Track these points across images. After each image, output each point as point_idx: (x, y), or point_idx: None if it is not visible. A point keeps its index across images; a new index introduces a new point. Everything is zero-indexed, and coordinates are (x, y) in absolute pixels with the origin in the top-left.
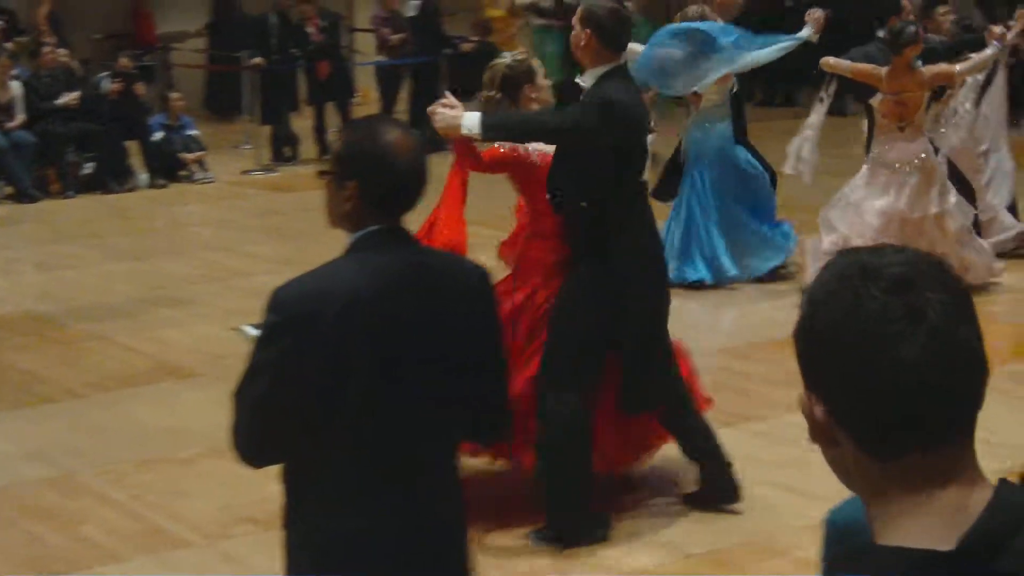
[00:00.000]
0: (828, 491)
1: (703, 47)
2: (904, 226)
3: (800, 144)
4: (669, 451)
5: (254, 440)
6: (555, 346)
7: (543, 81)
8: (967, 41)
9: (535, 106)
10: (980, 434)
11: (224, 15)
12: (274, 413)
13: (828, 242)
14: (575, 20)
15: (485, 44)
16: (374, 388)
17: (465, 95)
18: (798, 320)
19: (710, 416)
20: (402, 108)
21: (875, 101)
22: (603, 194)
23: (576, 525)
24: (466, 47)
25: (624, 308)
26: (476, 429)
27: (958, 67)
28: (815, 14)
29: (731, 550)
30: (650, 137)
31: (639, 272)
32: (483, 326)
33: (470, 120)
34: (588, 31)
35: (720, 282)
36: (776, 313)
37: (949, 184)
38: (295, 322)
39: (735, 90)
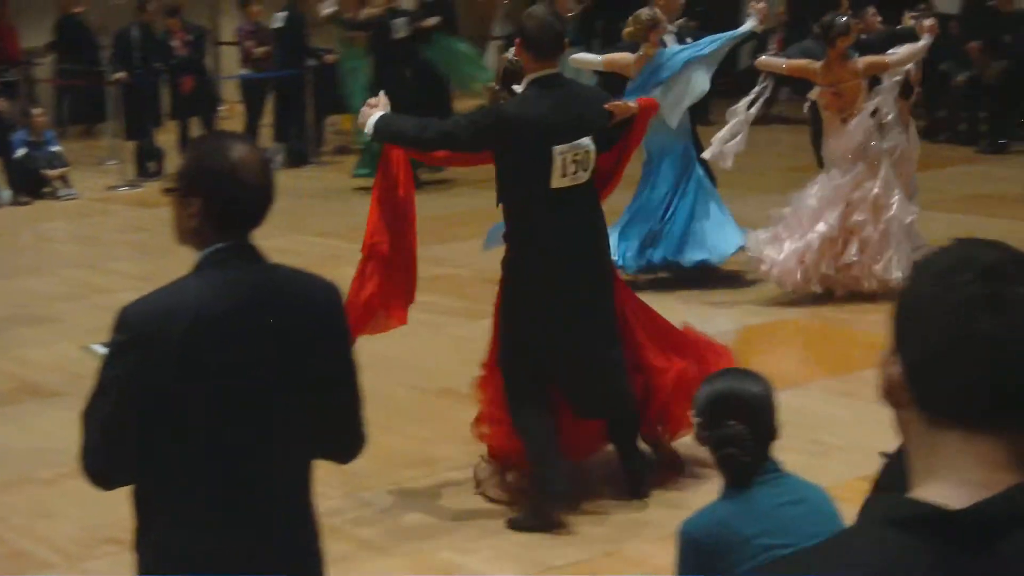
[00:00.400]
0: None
1: (655, 77)
2: (845, 208)
3: (728, 133)
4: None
5: (102, 460)
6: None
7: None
8: (900, 34)
9: None
10: (829, 439)
11: (68, 31)
12: (121, 432)
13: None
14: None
15: None
16: (221, 408)
17: (332, 106)
18: (900, 284)
19: None
20: (268, 121)
21: (814, 94)
22: (503, 199)
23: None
24: (330, 59)
25: (522, 314)
26: (330, 449)
27: (891, 57)
28: (758, 5)
29: (593, 560)
30: (584, 140)
31: (523, 282)
32: (333, 344)
33: (370, 121)
34: (519, 40)
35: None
36: None
37: (895, 182)
38: (141, 340)
39: None
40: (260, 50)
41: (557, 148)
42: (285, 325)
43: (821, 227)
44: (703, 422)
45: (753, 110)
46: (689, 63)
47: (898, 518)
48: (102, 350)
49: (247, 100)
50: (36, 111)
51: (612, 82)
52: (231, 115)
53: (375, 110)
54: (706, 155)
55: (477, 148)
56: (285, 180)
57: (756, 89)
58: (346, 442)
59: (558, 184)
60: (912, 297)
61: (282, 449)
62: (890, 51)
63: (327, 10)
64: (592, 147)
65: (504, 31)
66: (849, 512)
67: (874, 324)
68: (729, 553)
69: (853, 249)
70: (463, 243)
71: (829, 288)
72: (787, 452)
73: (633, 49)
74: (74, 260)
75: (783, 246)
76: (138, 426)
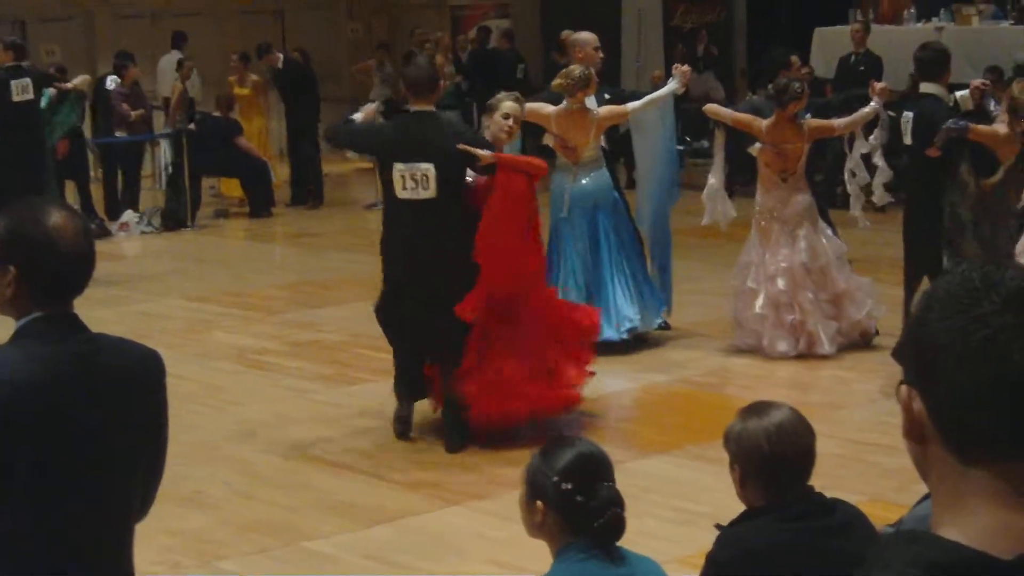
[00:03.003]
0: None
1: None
2: (808, 275)
3: (712, 194)
4: None
5: None
6: None
7: (498, 117)
8: (857, 96)
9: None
10: (693, 507)
11: None
12: None
13: (743, 304)
14: None
15: (227, 119)
16: (42, 478)
17: (209, 168)
18: (913, 314)
19: (437, 495)
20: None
21: (754, 150)
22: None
23: None
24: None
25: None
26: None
27: (837, 122)
28: (681, 67)
29: None
30: (423, 164)
31: (384, 265)
32: (149, 413)
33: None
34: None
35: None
36: None
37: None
38: None
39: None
40: (135, 112)
41: (397, 165)
42: (104, 399)
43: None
44: (573, 487)
45: (715, 180)
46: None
47: (943, 564)
48: None
49: (122, 163)
50: None
51: (531, 130)
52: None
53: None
54: (705, 221)
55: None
56: (160, 243)
57: (715, 158)
58: (141, 510)
59: (401, 196)
60: (931, 330)
61: (105, 516)
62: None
63: None
64: (432, 170)
65: (381, 95)
66: None
67: (742, 389)
68: None
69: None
70: (335, 308)
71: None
72: (651, 519)
73: (555, 101)
74: None
75: (744, 297)
76: None
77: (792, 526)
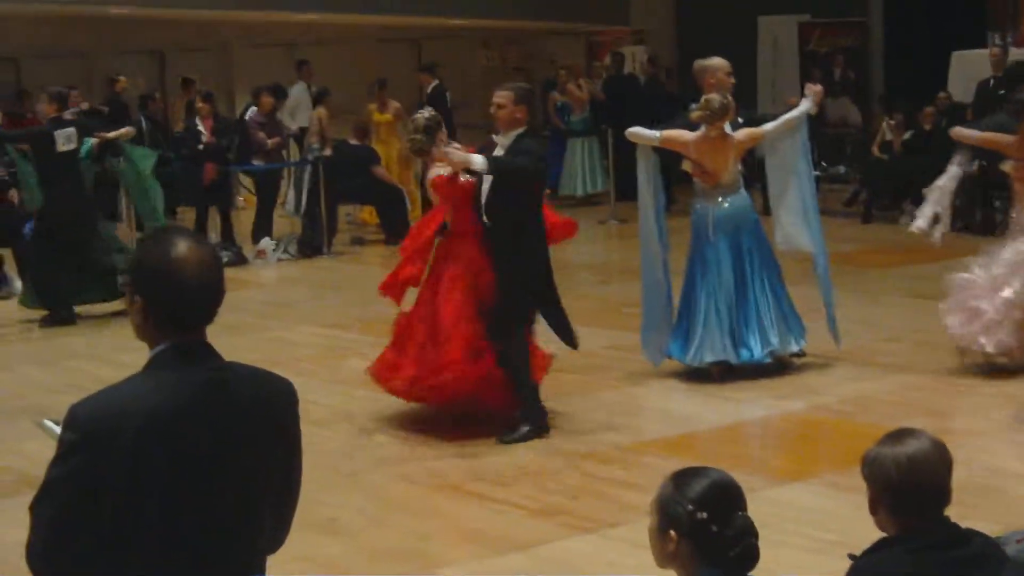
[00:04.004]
0: None
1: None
2: None
3: (932, 207)
4: None
5: (49, 558)
6: None
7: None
8: None
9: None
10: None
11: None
12: (70, 532)
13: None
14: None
15: (363, 147)
16: (172, 510)
17: (346, 196)
18: None
19: (569, 522)
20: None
21: (1007, 167)
22: None
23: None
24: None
25: None
26: (270, 543)
27: None
28: (814, 87)
29: None
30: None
31: None
32: (284, 443)
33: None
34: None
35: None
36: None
37: None
38: (90, 440)
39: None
40: (272, 141)
41: None
42: (235, 425)
43: (1006, 293)
44: (708, 517)
45: (945, 181)
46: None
47: None
48: (55, 427)
49: (260, 191)
50: None
51: (668, 157)
52: (248, 205)
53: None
54: (915, 227)
55: None
56: (296, 270)
57: (953, 161)
58: (276, 539)
59: None
60: None
61: (235, 548)
62: None
63: None
64: None
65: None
66: None
67: (879, 416)
68: None
69: None
70: None
71: (1007, 356)
72: (785, 548)
73: (692, 128)
74: (81, 351)
75: (966, 313)
76: (87, 527)
77: (925, 557)
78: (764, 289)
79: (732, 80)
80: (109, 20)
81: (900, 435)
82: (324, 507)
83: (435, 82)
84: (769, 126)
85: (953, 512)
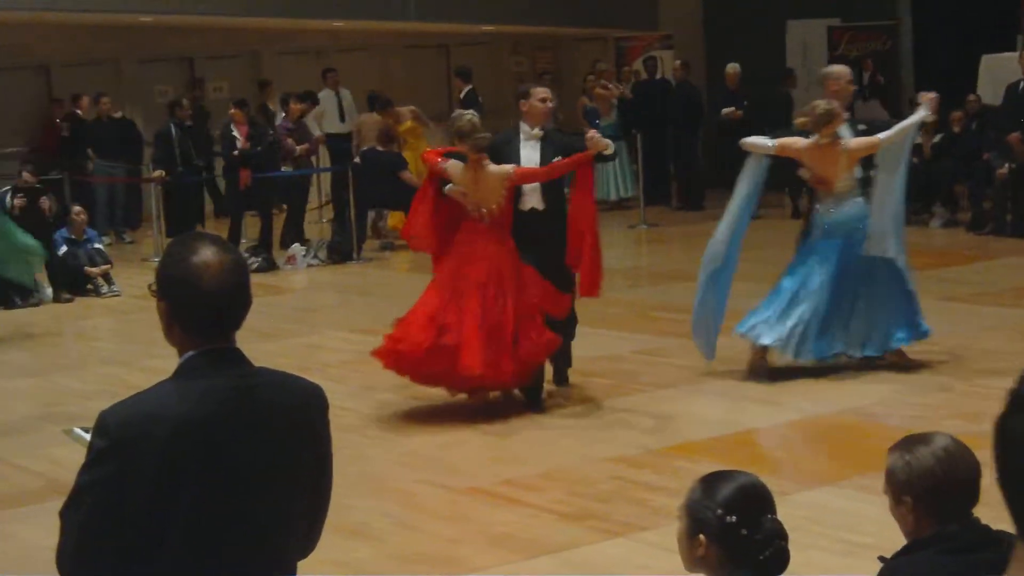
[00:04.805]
0: None
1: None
2: None
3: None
4: None
5: (78, 564)
6: None
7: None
8: None
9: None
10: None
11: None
12: (99, 537)
13: None
14: None
15: (391, 153)
16: (202, 516)
17: (375, 201)
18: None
19: (600, 527)
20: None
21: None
22: None
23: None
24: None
25: None
26: (301, 549)
27: None
28: (928, 95)
29: None
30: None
31: None
32: (312, 448)
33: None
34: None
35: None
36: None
37: None
38: (120, 447)
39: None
40: (301, 148)
41: None
42: (264, 431)
43: None
44: (737, 520)
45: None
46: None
47: None
48: (84, 435)
49: (290, 197)
50: (75, 209)
51: (785, 163)
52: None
53: None
54: None
55: None
56: (326, 276)
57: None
58: (307, 545)
59: None
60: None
61: (265, 555)
62: None
63: None
64: None
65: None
66: None
67: (909, 419)
68: None
69: None
70: None
71: None
72: (815, 550)
73: (806, 134)
74: (111, 357)
75: None
76: (116, 533)
77: (957, 559)
78: (864, 293)
79: (853, 87)
80: (138, 28)
81: (920, 437)
82: (354, 511)
83: (469, 87)
84: (884, 134)
85: (984, 515)
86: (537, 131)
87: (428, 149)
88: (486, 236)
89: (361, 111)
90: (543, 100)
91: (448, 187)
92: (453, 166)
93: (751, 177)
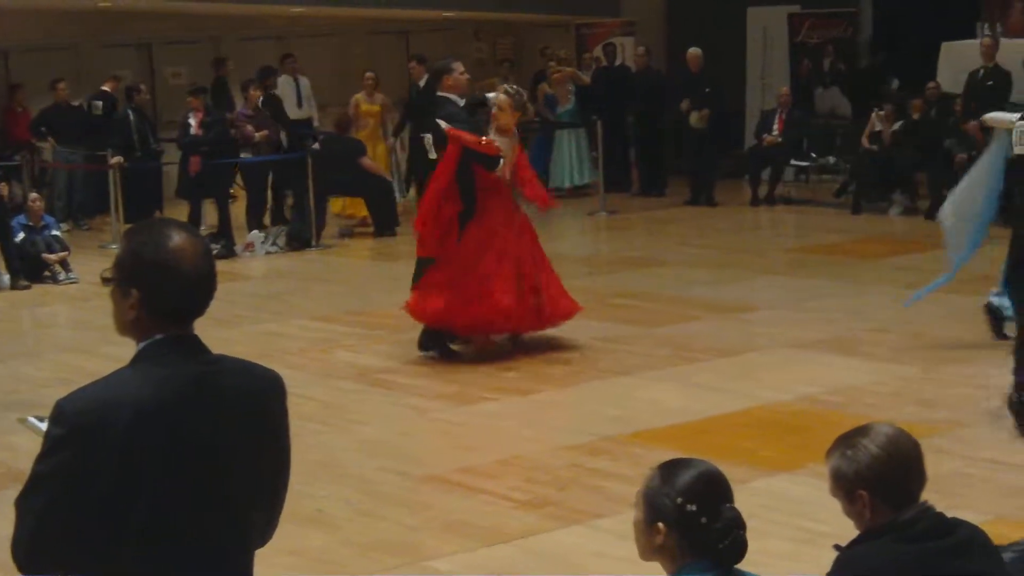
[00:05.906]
0: None
1: None
2: None
3: None
4: None
5: (33, 552)
6: None
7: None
8: None
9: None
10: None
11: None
12: (55, 527)
13: None
14: None
15: (350, 139)
16: (162, 503)
17: (333, 188)
18: None
19: (557, 514)
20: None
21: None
22: None
23: None
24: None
25: None
26: (260, 535)
27: None
28: None
29: None
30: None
31: None
32: (273, 436)
33: None
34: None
35: None
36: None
37: None
38: (78, 435)
39: None
40: (260, 134)
41: None
42: (224, 422)
43: None
44: (697, 509)
45: None
46: None
47: None
48: (39, 424)
49: (247, 183)
50: (32, 196)
51: None
52: (238, 197)
53: None
54: None
55: None
56: (285, 263)
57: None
58: (265, 531)
59: None
60: None
61: (224, 543)
62: None
63: None
64: None
65: None
66: None
67: (866, 407)
68: None
69: None
70: None
71: None
72: (773, 538)
73: None
74: (69, 345)
75: None
76: (74, 522)
77: (912, 547)
78: None
79: None
80: (98, 13)
81: (855, 432)
82: (311, 499)
83: (427, 73)
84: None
85: (939, 502)
86: (463, 101)
87: (482, 139)
88: (508, 194)
89: (319, 97)
90: (463, 73)
91: (500, 164)
92: (500, 143)
93: (992, 154)
